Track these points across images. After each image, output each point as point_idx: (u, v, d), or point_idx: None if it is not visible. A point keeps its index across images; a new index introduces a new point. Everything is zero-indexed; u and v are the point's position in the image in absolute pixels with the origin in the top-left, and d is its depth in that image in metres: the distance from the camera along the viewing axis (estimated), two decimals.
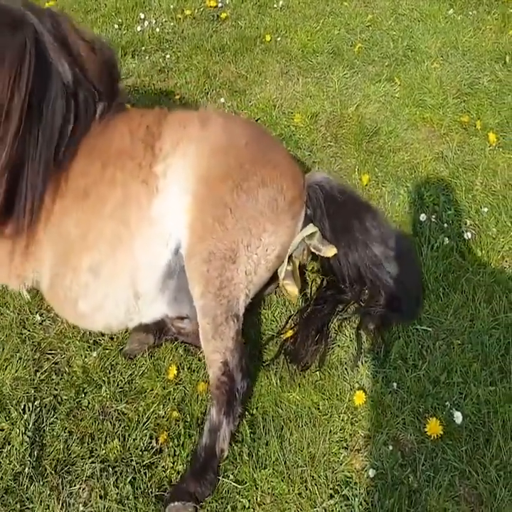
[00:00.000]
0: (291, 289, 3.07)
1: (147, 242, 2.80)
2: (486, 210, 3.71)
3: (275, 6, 6.00)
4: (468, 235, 3.53)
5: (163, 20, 5.86)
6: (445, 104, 4.59)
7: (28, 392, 2.85)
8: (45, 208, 2.84)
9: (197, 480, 2.51)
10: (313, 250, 3.06)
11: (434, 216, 3.67)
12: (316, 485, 2.56)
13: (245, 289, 2.81)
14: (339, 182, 3.26)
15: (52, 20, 2.87)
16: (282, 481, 2.57)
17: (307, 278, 3.35)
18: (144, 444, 2.68)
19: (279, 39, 5.48)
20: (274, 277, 3.06)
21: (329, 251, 3.03)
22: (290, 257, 3.04)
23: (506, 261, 3.44)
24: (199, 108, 3.41)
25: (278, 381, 2.91)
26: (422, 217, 3.64)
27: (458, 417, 2.72)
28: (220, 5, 6.04)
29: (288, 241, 2.97)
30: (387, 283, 3.01)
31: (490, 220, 3.66)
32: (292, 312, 3.21)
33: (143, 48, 5.43)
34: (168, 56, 5.30)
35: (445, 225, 3.62)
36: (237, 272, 2.76)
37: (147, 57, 5.31)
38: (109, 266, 2.79)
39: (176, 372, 2.92)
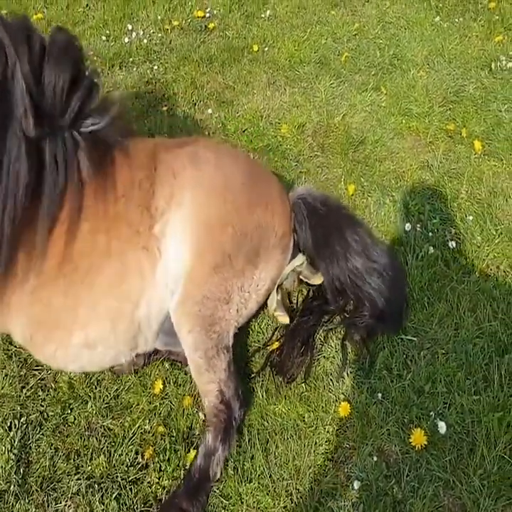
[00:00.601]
0: (283, 319, 3.11)
1: (151, 306, 2.69)
2: (471, 218, 3.73)
3: (263, 16, 6.03)
4: (453, 244, 3.54)
5: (151, 31, 5.88)
6: (431, 113, 4.61)
7: (14, 409, 2.86)
8: (19, 266, 2.50)
9: (189, 499, 2.51)
10: (302, 278, 3.11)
11: (419, 225, 3.69)
12: (301, 498, 2.57)
13: (235, 323, 2.82)
14: (322, 193, 3.28)
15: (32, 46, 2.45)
16: (267, 494, 2.58)
17: (293, 289, 3.37)
18: (129, 459, 2.68)
19: (266, 49, 5.50)
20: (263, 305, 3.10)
21: (318, 279, 3.09)
22: (279, 286, 3.09)
23: (491, 269, 3.45)
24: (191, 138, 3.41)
25: (264, 394, 2.92)
26: (407, 226, 3.66)
27: (442, 427, 2.73)
28: (207, 15, 6.07)
29: (278, 274, 2.99)
30: (370, 296, 3.02)
31: (475, 229, 3.68)
32: (278, 324, 3.22)
33: (130, 60, 5.45)
34: (155, 67, 5.32)
35: (430, 233, 3.64)
36: (229, 311, 2.76)
37: (135, 69, 5.33)
38: (109, 339, 2.66)
39: (161, 386, 2.92)
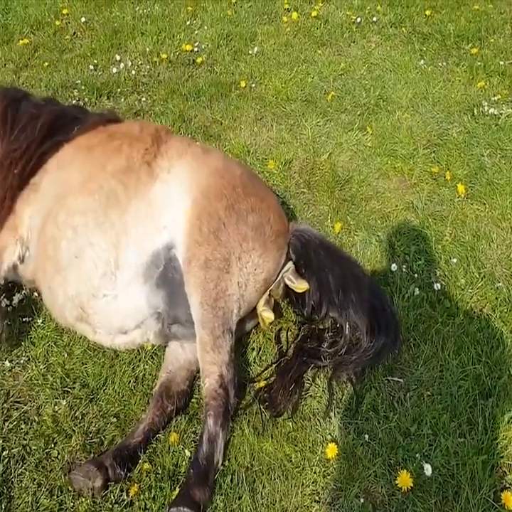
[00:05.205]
0: (267, 314, 3.14)
1: (139, 216, 3.06)
2: (455, 260, 3.79)
3: (250, 52, 6.12)
4: (437, 286, 3.59)
5: (139, 62, 5.92)
6: (415, 154, 4.70)
7: None
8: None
9: (202, 488, 2.58)
10: (287, 282, 3.18)
11: (404, 266, 3.74)
12: None
13: (238, 302, 2.97)
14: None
15: None
16: None
17: (282, 326, 3.39)
18: (114, 496, 2.63)
19: (253, 85, 5.58)
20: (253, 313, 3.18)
21: (302, 285, 3.16)
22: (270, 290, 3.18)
23: (475, 312, 3.49)
24: None
25: (251, 431, 2.89)
26: (393, 266, 3.70)
27: (428, 469, 2.74)
28: (195, 49, 6.14)
29: (273, 269, 3.12)
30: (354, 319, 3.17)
31: (459, 271, 3.73)
32: (265, 360, 3.23)
33: (118, 90, 5.48)
34: (143, 99, 5.36)
35: (415, 275, 3.68)
36: (230, 282, 2.95)
37: (122, 100, 5.36)
38: (99, 215, 3.03)
39: None
